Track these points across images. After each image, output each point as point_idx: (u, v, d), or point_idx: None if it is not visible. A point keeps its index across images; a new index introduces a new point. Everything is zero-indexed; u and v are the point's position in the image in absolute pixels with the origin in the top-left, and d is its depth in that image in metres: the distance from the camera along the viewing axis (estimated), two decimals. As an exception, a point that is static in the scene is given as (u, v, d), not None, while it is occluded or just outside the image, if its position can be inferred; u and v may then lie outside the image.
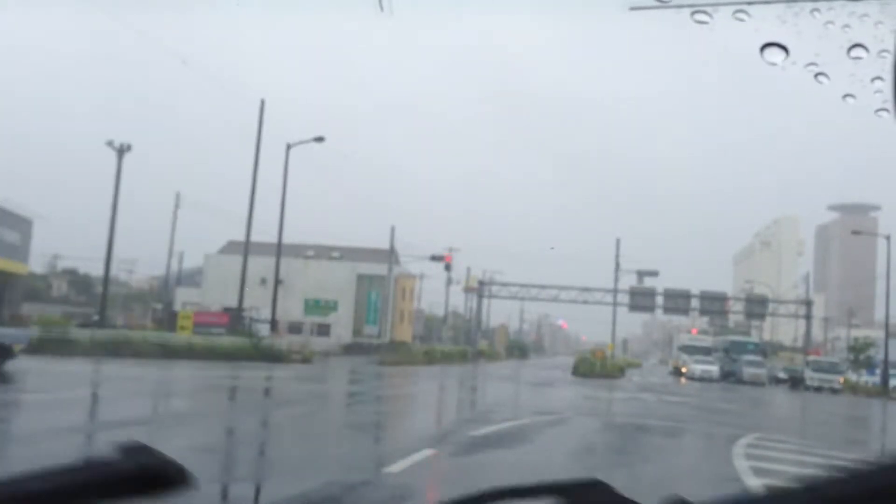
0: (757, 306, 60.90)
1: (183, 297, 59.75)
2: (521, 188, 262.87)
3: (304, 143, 36.03)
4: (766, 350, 62.85)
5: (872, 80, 2.58)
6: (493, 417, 13.98)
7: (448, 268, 57.57)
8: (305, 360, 33.83)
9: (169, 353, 28.56)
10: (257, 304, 42.84)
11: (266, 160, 35.41)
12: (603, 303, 55.91)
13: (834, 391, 42.45)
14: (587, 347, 70.24)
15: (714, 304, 58.70)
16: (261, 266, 44.70)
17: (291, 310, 52.97)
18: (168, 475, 0.81)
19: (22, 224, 37.02)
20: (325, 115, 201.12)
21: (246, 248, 35.48)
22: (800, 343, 70.98)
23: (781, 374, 52.62)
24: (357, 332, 59.07)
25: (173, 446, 9.15)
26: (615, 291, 52.98)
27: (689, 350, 60.77)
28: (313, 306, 56.50)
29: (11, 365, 18.31)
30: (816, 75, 2.96)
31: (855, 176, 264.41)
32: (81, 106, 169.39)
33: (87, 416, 12.46)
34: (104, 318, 36.11)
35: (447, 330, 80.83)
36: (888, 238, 44.31)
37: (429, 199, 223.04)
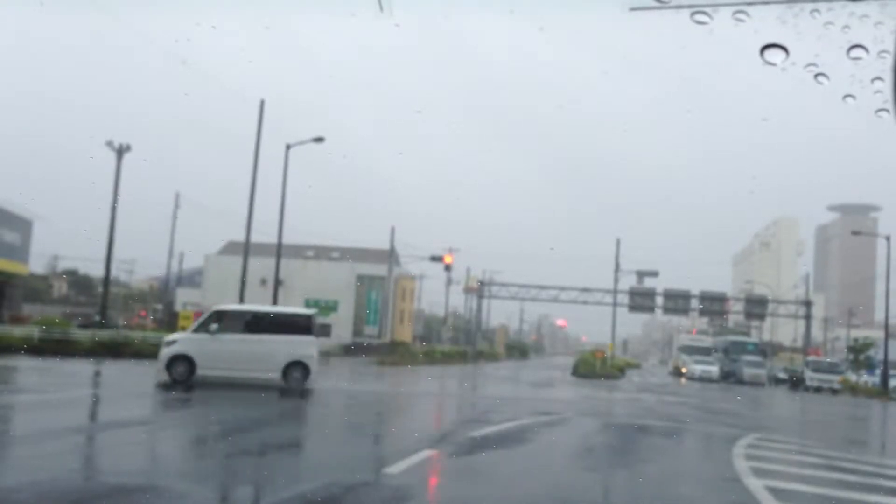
0: (757, 307, 60.90)
1: (183, 298, 59.78)
2: (521, 188, 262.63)
3: (303, 143, 36.01)
4: (766, 350, 62.80)
5: (872, 80, 2.58)
6: (493, 418, 13.97)
7: (448, 268, 57.54)
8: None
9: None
10: (257, 304, 42.83)
11: (266, 161, 35.46)
12: (603, 303, 55.93)
13: (834, 391, 42.47)
14: (587, 348, 70.25)
15: (714, 305, 58.69)
16: (261, 266, 44.70)
17: (291, 310, 52.90)
18: None
19: (22, 224, 36.98)
20: (324, 116, 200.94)
21: (246, 249, 35.47)
22: (799, 343, 70.93)
23: (781, 375, 52.63)
24: (357, 332, 59.07)
25: (173, 446, 9.15)
26: (615, 292, 52.98)
27: (689, 350, 60.79)
28: (313, 306, 56.45)
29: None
30: (816, 76, 2.96)
31: (855, 176, 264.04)
32: (81, 106, 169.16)
33: (88, 416, 12.46)
34: (105, 318, 36.12)
35: (447, 330, 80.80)
36: (888, 238, 44.30)
37: (429, 200, 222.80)
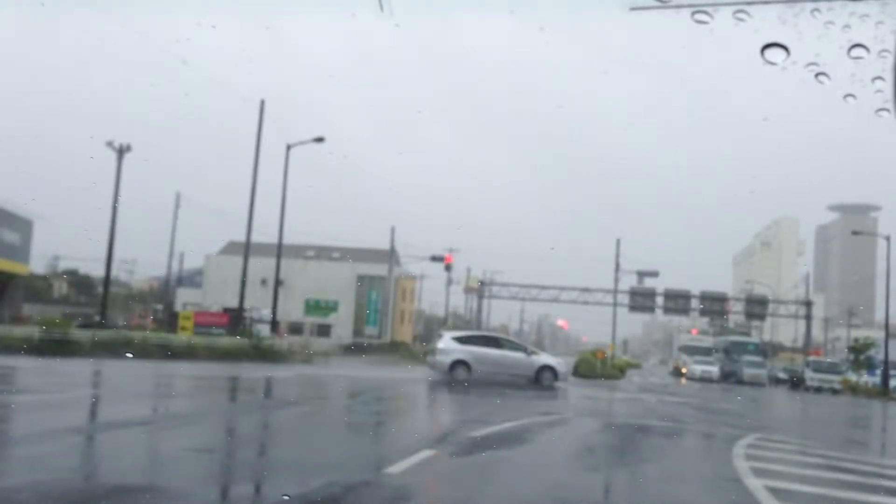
0: (757, 307, 60.94)
1: (183, 298, 59.82)
2: (521, 188, 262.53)
3: (303, 143, 36.05)
4: (767, 350, 62.89)
5: (873, 79, 2.58)
6: (494, 418, 13.96)
7: (448, 268, 57.57)
8: (306, 360, 33.83)
9: (169, 353, 28.56)
10: (258, 304, 42.86)
11: (266, 161, 35.46)
12: (603, 303, 55.98)
13: (834, 392, 42.47)
14: (587, 348, 70.24)
15: (714, 305, 58.74)
16: (261, 266, 44.73)
17: (292, 310, 52.98)
18: None
19: (22, 225, 37.00)
20: (324, 116, 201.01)
21: (246, 249, 35.48)
22: (800, 343, 70.97)
23: (781, 375, 52.66)
24: (357, 332, 59.09)
25: (174, 446, 9.14)
26: (615, 292, 52.99)
27: (690, 350, 60.85)
28: (314, 307, 56.51)
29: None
30: (817, 75, 2.96)
31: (855, 176, 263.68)
32: (81, 106, 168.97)
33: (89, 417, 12.46)
34: (106, 318, 36.13)
35: (448, 330, 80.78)
36: (888, 238, 44.31)
37: (429, 200, 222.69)
